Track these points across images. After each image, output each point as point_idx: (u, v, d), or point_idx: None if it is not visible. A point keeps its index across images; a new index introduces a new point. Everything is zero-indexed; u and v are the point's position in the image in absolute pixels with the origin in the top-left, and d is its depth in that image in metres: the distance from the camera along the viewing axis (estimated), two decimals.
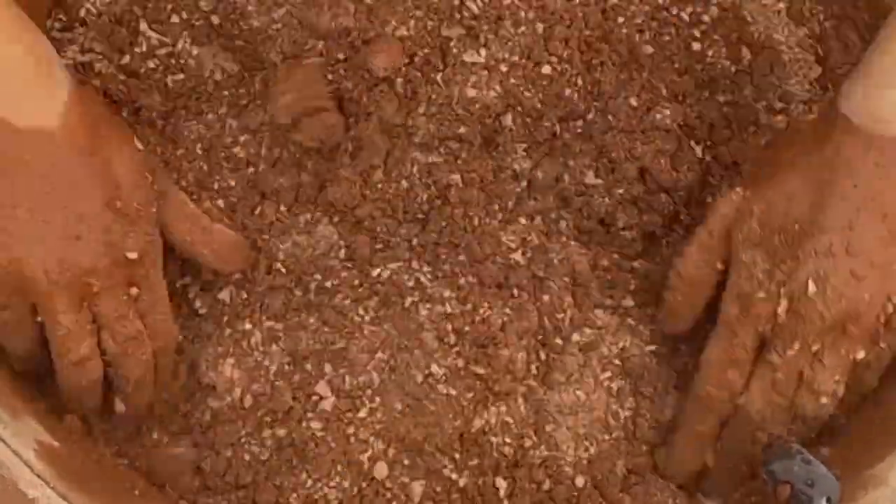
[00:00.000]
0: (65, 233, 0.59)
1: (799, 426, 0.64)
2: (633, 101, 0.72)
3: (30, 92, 0.59)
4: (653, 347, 0.71)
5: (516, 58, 0.71)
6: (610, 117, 0.72)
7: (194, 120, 0.73)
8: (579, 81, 0.72)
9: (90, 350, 0.62)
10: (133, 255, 0.62)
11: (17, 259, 0.59)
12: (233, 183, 0.72)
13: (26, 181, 0.59)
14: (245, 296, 0.71)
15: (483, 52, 0.70)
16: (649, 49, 0.73)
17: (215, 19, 0.72)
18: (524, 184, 0.73)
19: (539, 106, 0.71)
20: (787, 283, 0.61)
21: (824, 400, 0.62)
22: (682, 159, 0.72)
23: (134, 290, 0.63)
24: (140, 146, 0.65)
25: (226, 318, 0.70)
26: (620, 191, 0.71)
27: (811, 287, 0.60)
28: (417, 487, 0.67)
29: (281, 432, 0.68)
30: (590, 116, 0.72)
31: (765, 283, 0.62)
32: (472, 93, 0.70)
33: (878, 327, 0.61)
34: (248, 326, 0.70)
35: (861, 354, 0.62)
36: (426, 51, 0.70)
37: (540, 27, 0.71)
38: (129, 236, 0.62)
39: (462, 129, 0.71)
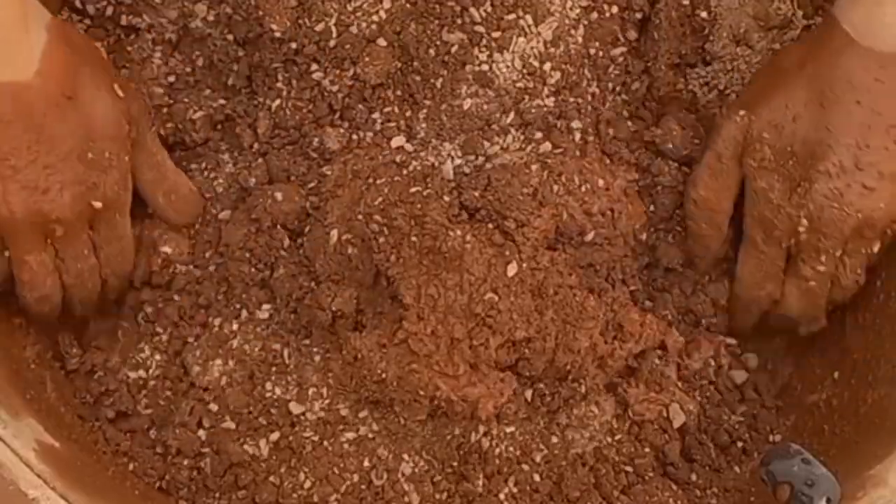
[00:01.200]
0: (34, 184, 0.61)
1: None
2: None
3: (3, 47, 0.59)
4: (658, 351, 0.71)
5: (518, 65, 0.70)
6: (591, 138, 0.71)
7: None
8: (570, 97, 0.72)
9: (53, 288, 0.65)
10: (98, 205, 0.64)
11: None
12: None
13: (5, 133, 0.60)
14: (232, 297, 0.71)
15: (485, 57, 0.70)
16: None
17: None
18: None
19: (535, 120, 0.71)
20: (804, 205, 0.65)
21: (851, 289, 0.68)
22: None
23: (95, 231, 0.66)
24: (121, 92, 0.66)
25: (211, 319, 0.70)
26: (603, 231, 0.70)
27: (827, 205, 0.64)
28: (416, 490, 0.67)
29: (275, 436, 0.68)
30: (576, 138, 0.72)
31: (784, 207, 0.65)
32: (468, 103, 0.70)
33: (892, 227, 0.66)
34: (234, 327, 0.70)
35: (877, 247, 0.67)
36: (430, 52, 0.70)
37: (542, 37, 0.70)
38: (97, 187, 0.64)
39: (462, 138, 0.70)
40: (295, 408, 0.68)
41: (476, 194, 0.67)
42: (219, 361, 0.69)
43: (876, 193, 0.64)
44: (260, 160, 0.72)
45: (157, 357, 0.71)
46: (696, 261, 0.71)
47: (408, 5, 0.70)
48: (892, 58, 0.62)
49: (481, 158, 0.70)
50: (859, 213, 0.64)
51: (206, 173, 0.73)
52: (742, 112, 0.66)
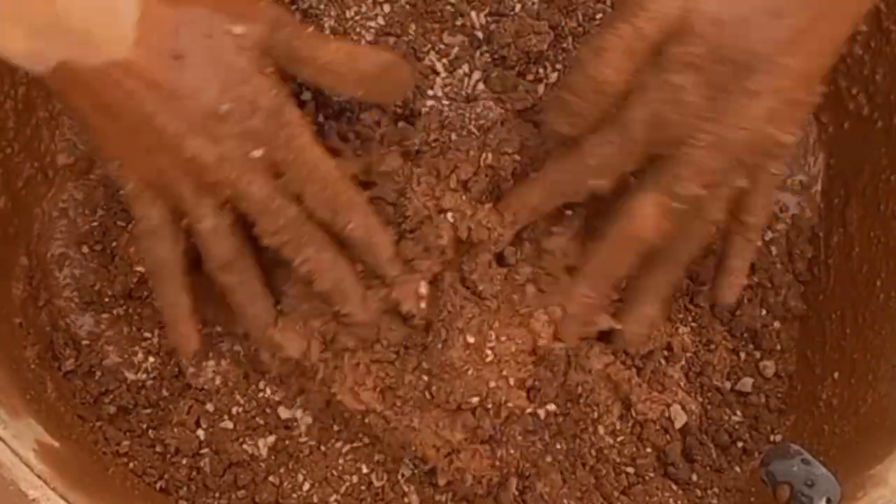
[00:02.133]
0: (171, 159, 0.55)
1: None
2: None
3: (93, 26, 0.53)
4: (665, 352, 0.71)
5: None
6: None
7: None
8: None
9: (234, 252, 0.59)
10: (258, 154, 0.56)
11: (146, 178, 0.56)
12: None
13: (113, 118, 0.55)
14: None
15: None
16: None
17: None
18: None
19: None
20: (721, 119, 0.55)
21: (712, 224, 0.60)
22: None
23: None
24: (239, 29, 0.56)
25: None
26: None
27: (744, 127, 0.55)
28: (417, 491, 0.67)
29: (272, 439, 0.68)
30: None
31: (691, 112, 0.55)
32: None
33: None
34: (218, 328, 0.70)
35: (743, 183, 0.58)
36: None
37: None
38: (244, 138, 0.55)
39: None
40: (283, 412, 0.68)
41: None
42: (212, 362, 0.69)
43: (784, 121, 0.55)
44: None
45: (151, 359, 0.71)
46: (546, 138, 0.62)
47: (407, 6, 0.70)
48: None
49: None
50: (761, 135, 0.55)
51: None
52: None
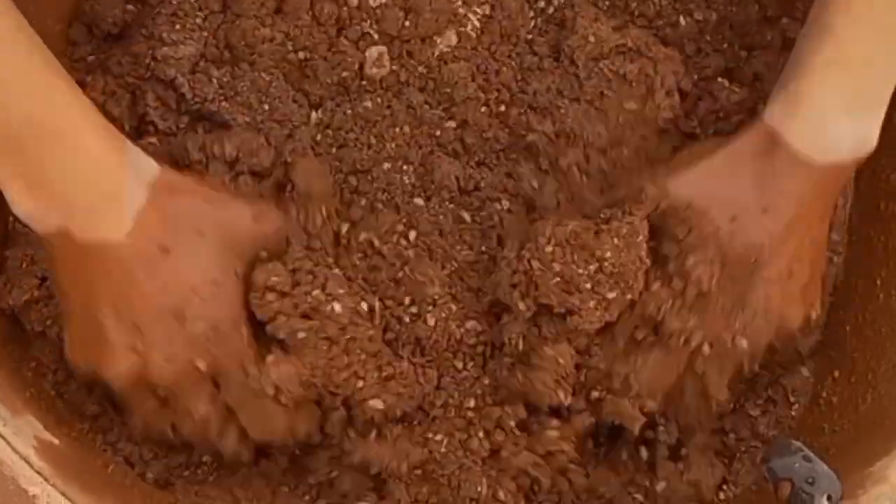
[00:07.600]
0: (129, 344, 0.58)
1: None
2: None
3: (96, 205, 0.56)
4: None
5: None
6: None
7: None
8: None
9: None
10: (202, 366, 0.59)
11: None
12: None
13: (93, 292, 0.57)
14: None
15: None
16: None
17: None
18: None
19: None
20: (740, 313, 0.63)
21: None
22: None
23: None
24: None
25: None
26: None
27: (757, 316, 0.63)
28: None
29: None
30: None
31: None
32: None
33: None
34: None
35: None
36: None
37: None
38: (198, 348, 0.59)
39: None
40: None
41: None
42: None
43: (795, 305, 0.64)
44: None
45: None
46: None
47: None
48: (827, 169, 0.60)
49: None
50: (779, 319, 0.64)
51: None
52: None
